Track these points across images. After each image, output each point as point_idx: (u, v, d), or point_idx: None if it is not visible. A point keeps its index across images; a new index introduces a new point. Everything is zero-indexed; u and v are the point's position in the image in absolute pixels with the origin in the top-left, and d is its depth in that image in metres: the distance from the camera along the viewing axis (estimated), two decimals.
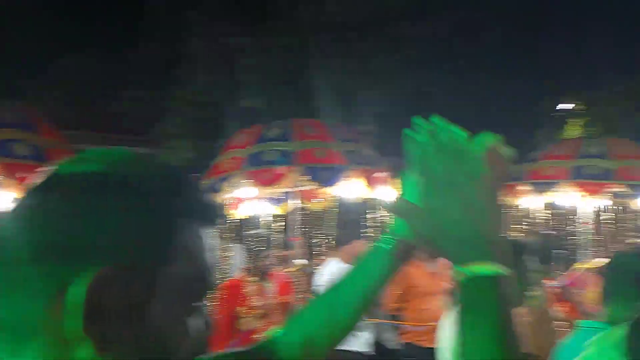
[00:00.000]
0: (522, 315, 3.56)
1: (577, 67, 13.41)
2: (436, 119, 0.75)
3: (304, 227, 5.98)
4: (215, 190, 5.61)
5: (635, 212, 7.01)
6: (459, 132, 0.74)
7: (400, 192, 0.79)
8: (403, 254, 0.84)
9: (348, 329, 0.89)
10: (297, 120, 6.14)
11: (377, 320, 5.00)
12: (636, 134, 12.14)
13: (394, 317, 4.96)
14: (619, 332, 1.01)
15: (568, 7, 13.91)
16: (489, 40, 13.66)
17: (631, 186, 6.21)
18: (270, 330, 0.89)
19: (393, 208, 0.78)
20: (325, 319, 0.86)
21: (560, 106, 12.41)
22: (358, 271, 0.88)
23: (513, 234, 6.61)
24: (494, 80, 13.37)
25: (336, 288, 0.89)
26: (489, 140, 0.73)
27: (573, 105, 12.05)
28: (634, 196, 6.40)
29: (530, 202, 7.20)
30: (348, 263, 4.17)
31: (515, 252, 2.29)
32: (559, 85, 13.21)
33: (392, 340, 5.21)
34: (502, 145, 0.74)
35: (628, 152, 6.59)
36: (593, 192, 6.30)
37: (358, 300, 0.86)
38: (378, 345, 5.17)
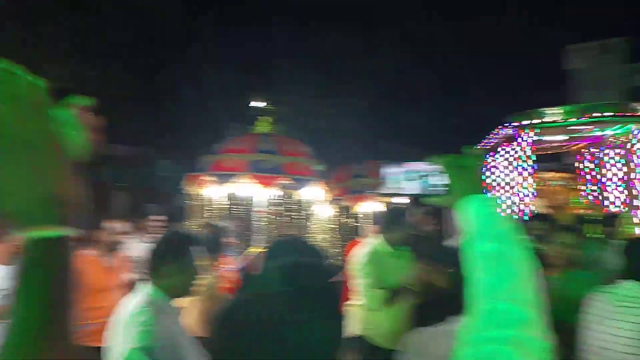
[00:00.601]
0: (193, 302, 3.71)
1: (271, 67, 14.90)
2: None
3: None
4: None
5: (299, 201, 8.13)
6: (33, 81, 0.67)
7: None
8: None
9: None
10: None
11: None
12: (311, 133, 14.21)
13: None
14: None
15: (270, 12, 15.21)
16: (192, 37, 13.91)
17: (295, 180, 7.20)
18: None
19: None
20: None
21: (253, 103, 13.32)
22: None
23: (188, 225, 6.84)
24: (193, 76, 13.66)
25: None
26: (77, 103, 0.72)
27: (264, 103, 13.12)
28: (298, 188, 7.42)
29: (212, 192, 7.58)
30: (2, 264, 3.60)
31: (183, 244, 2.32)
32: (254, 83, 14.36)
33: None
34: (91, 108, 0.73)
35: (294, 150, 7.60)
36: (266, 184, 7.03)
37: None
38: None
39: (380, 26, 16.02)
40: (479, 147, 9.79)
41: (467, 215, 1.06)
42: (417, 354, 1.64)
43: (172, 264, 2.19)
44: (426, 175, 1.26)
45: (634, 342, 2.13)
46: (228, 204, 7.78)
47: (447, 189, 1.14)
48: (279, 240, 2.13)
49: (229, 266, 4.97)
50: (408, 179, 1.31)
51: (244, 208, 7.94)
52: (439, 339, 1.58)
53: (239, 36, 14.90)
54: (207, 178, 7.25)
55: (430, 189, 1.25)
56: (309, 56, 15.56)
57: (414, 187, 1.29)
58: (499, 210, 1.06)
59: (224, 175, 7.10)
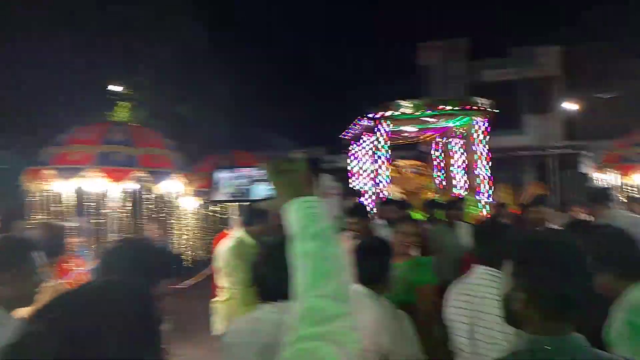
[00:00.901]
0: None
1: (131, 49, 13.74)
2: None
3: None
4: None
5: (159, 195, 7.66)
6: None
7: None
8: None
9: None
10: None
11: None
12: (175, 122, 13.54)
13: None
14: None
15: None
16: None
17: (152, 172, 6.74)
18: None
19: None
20: None
21: (110, 87, 12.08)
22: None
23: (27, 226, 6.08)
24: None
25: None
26: None
27: (122, 87, 11.98)
28: (156, 181, 6.97)
29: (58, 187, 6.82)
30: None
31: (21, 249, 2.04)
32: (111, 65, 13.07)
33: None
34: None
35: (149, 141, 7.12)
36: (118, 178, 6.49)
37: None
38: None
39: (241, 16, 15.87)
40: (342, 140, 10.12)
41: (290, 217, 1.11)
42: (236, 342, 1.70)
43: (7, 272, 1.95)
44: (256, 180, 1.35)
45: (499, 326, 2.18)
46: (77, 201, 7.03)
47: (273, 192, 1.19)
48: (115, 248, 1.94)
49: (80, 268, 4.55)
50: (239, 183, 1.40)
51: (95, 204, 7.23)
52: (258, 325, 1.65)
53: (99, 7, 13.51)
54: (50, 172, 6.49)
55: (260, 192, 1.35)
56: (172, 39, 14.72)
57: (245, 191, 1.39)
58: (320, 210, 1.11)
59: (70, 169, 6.40)
